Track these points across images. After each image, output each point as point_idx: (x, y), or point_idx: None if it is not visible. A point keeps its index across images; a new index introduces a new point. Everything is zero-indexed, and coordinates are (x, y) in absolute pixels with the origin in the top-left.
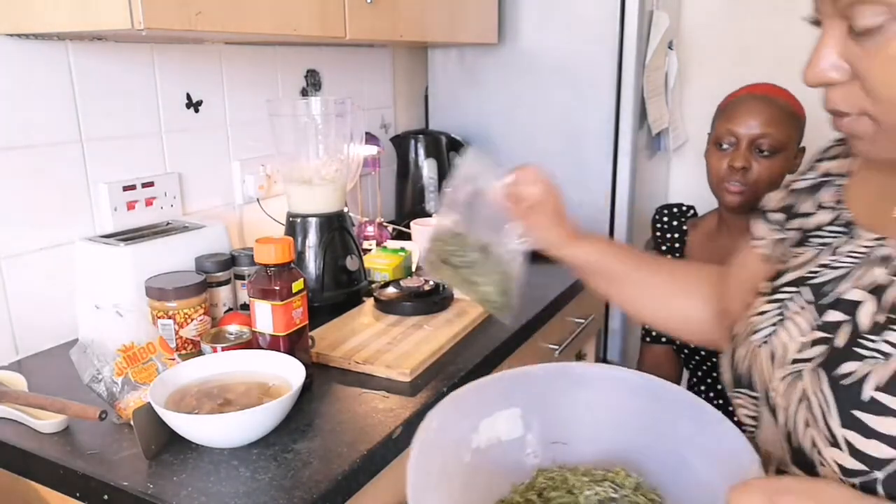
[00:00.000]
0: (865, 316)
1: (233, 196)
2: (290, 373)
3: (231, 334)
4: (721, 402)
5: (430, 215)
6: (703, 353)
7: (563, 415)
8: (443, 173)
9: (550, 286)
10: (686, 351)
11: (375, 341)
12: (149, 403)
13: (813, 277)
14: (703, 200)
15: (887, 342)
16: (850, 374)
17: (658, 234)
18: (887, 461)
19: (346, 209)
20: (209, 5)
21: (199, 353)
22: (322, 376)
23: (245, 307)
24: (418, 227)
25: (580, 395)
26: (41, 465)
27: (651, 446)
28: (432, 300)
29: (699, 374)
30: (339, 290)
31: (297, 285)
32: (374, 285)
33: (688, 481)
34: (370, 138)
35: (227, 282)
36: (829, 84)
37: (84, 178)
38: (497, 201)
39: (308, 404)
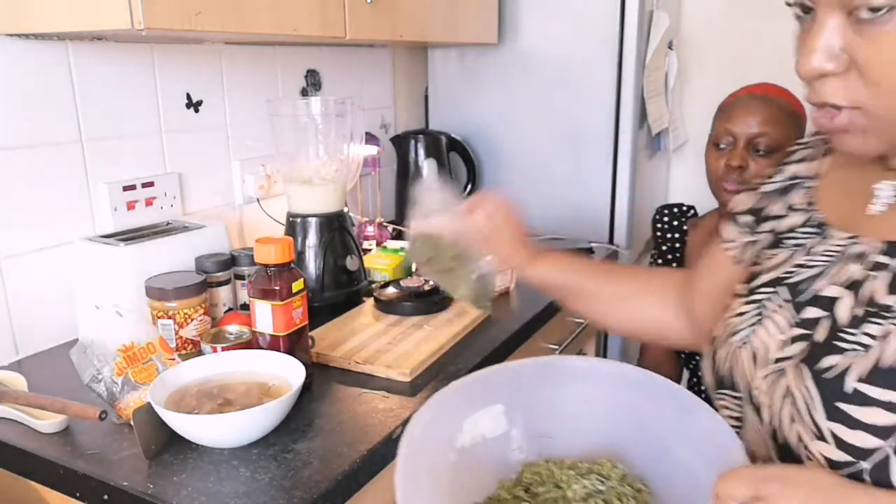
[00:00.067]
0: (844, 311)
1: (233, 196)
2: (290, 373)
3: (231, 334)
4: None
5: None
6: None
7: (547, 408)
8: (443, 173)
9: None
10: (686, 351)
11: (375, 341)
12: (149, 403)
13: (789, 277)
14: (703, 200)
15: (867, 334)
16: (831, 367)
17: (658, 234)
18: (873, 451)
19: (346, 209)
20: (209, 5)
21: (199, 353)
22: (322, 376)
23: (245, 307)
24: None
25: (564, 388)
26: (41, 465)
27: (636, 436)
28: (432, 300)
29: (699, 374)
30: (339, 290)
31: (297, 285)
32: (374, 285)
33: (673, 469)
34: (370, 138)
35: (227, 282)
36: (825, 75)
37: (84, 178)
38: (455, 232)
39: (308, 404)
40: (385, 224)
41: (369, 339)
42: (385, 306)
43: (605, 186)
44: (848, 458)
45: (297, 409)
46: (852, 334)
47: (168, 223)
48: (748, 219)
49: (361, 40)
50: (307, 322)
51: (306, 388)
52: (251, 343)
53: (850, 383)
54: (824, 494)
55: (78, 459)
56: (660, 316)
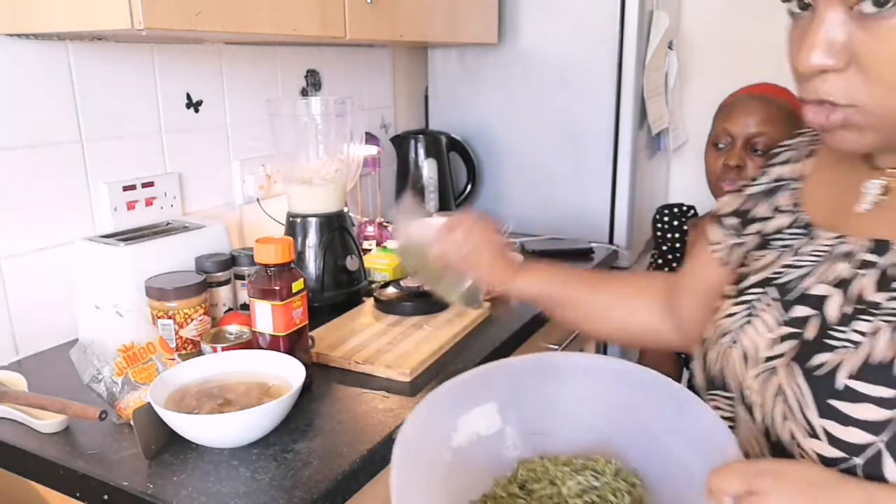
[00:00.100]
0: (833, 308)
1: (233, 196)
2: (290, 373)
3: (231, 334)
4: None
5: (430, 215)
6: None
7: (541, 405)
8: (443, 173)
9: None
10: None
11: (375, 341)
12: (149, 403)
13: (777, 277)
14: (703, 200)
15: (856, 331)
16: (822, 364)
17: (658, 234)
18: (865, 446)
19: (346, 209)
20: (209, 5)
21: (199, 353)
22: (322, 376)
23: (245, 307)
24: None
25: (557, 385)
26: (41, 465)
27: (629, 430)
28: (432, 300)
29: None
30: (339, 290)
31: (297, 285)
32: (374, 285)
33: (666, 462)
34: (370, 138)
35: (227, 282)
36: (825, 70)
37: (84, 178)
38: (434, 256)
39: (308, 404)
40: (385, 224)
41: (369, 339)
42: (385, 306)
43: (605, 186)
44: (841, 454)
45: (297, 410)
46: (842, 332)
47: (168, 223)
48: (733, 221)
49: (361, 40)
50: (307, 322)
51: (306, 388)
52: (251, 343)
53: (842, 380)
54: (816, 488)
55: (78, 459)
56: (647, 320)
